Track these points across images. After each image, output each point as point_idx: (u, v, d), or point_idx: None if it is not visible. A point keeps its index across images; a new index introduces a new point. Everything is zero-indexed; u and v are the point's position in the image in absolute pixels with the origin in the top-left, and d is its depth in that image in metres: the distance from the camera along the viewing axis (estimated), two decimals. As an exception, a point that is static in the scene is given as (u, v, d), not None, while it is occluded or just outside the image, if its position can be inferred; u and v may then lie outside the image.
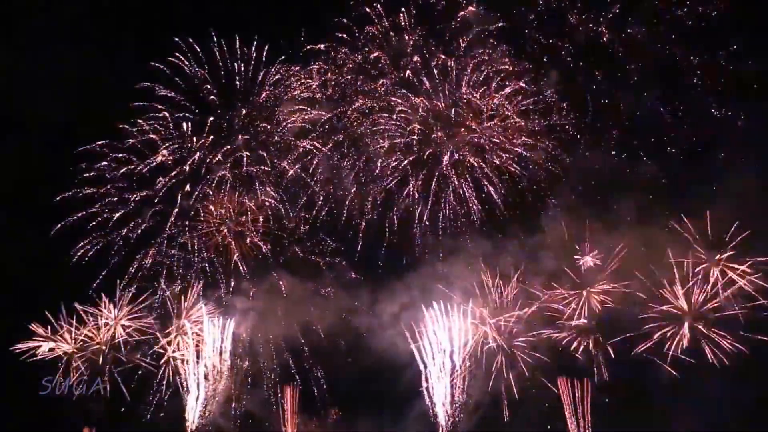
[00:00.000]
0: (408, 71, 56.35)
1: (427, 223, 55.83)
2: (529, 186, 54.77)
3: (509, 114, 55.08)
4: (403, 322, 52.54)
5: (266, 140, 57.78)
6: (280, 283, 55.84)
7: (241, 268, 55.96)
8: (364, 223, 56.42)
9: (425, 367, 50.99)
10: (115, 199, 55.23)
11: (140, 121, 55.78)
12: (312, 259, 57.13)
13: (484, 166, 55.34)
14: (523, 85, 54.67)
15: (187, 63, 56.14)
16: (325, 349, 55.18)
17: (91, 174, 55.02)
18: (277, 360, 54.62)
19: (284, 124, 57.58)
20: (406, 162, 56.40)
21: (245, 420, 53.76)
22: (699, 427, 47.23)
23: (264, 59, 56.67)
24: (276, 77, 57.54)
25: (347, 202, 56.72)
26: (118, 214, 54.95)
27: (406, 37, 56.51)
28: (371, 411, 53.32)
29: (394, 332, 53.11)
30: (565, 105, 54.35)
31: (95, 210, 54.78)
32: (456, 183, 55.71)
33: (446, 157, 55.72)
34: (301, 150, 57.24)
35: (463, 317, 51.20)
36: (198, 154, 56.28)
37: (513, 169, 54.94)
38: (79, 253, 54.26)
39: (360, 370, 53.75)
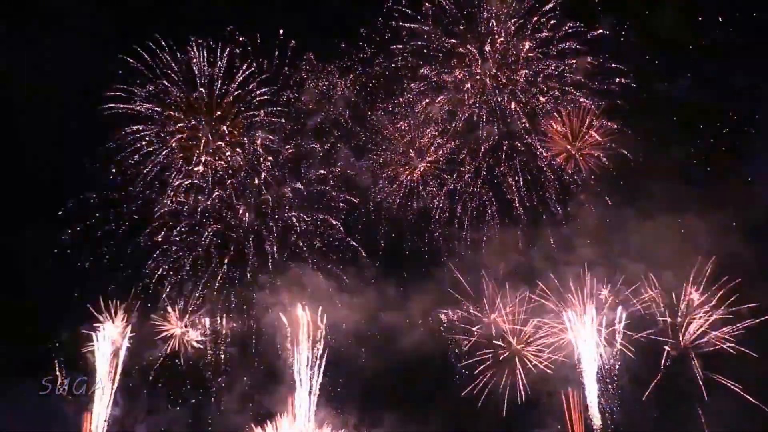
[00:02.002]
0: (432, 72, 55.85)
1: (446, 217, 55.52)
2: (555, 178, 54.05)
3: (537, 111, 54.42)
4: (429, 318, 52.38)
5: (288, 141, 57.10)
6: (301, 279, 55.08)
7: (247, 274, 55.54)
8: (385, 222, 56.09)
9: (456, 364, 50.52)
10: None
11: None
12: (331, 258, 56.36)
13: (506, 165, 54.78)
14: (556, 85, 54.01)
15: (204, 64, 55.46)
16: (349, 346, 54.12)
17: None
18: (299, 355, 52.82)
19: (307, 124, 57.03)
20: (425, 163, 55.98)
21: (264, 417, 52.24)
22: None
23: (287, 58, 55.85)
24: (299, 77, 56.81)
25: (370, 201, 56.34)
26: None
27: (432, 37, 55.99)
28: (397, 409, 52.31)
29: (421, 328, 52.92)
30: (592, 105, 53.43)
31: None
32: (477, 182, 55.41)
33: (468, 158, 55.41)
34: (321, 152, 56.75)
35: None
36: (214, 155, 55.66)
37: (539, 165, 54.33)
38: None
39: (385, 368, 52.80)
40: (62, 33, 55.91)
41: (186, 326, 54.13)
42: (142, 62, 53.58)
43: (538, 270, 51.41)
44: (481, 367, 50.99)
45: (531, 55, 54.02)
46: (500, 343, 51.61)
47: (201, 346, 53.70)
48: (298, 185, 56.56)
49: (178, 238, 54.99)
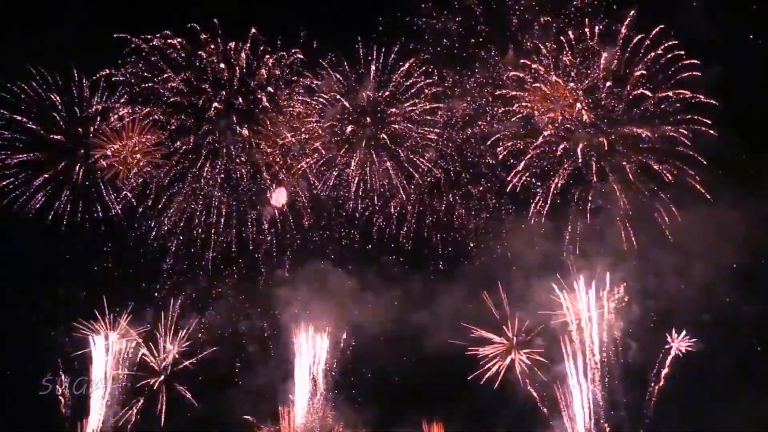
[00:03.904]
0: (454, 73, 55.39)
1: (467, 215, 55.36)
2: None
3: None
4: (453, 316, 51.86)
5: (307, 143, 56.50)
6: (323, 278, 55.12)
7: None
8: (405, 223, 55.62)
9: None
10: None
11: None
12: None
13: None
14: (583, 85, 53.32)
15: (221, 66, 55.12)
16: (371, 344, 53.71)
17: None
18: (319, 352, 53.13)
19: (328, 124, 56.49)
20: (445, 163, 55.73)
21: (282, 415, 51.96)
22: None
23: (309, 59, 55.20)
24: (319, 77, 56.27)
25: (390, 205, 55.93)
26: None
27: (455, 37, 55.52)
28: (419, 408, 51.75)
29: (444, 327, 51.95)
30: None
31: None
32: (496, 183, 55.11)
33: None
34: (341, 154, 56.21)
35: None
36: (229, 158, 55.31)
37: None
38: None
39: (408, 366, 53.01)
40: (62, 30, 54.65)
41: (202, 325, 54.05)
42: (150, 65, 53.32)
43: (564, 264, 50.65)
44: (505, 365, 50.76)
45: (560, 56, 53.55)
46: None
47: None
48: (319, 188, 56.21)
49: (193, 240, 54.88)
